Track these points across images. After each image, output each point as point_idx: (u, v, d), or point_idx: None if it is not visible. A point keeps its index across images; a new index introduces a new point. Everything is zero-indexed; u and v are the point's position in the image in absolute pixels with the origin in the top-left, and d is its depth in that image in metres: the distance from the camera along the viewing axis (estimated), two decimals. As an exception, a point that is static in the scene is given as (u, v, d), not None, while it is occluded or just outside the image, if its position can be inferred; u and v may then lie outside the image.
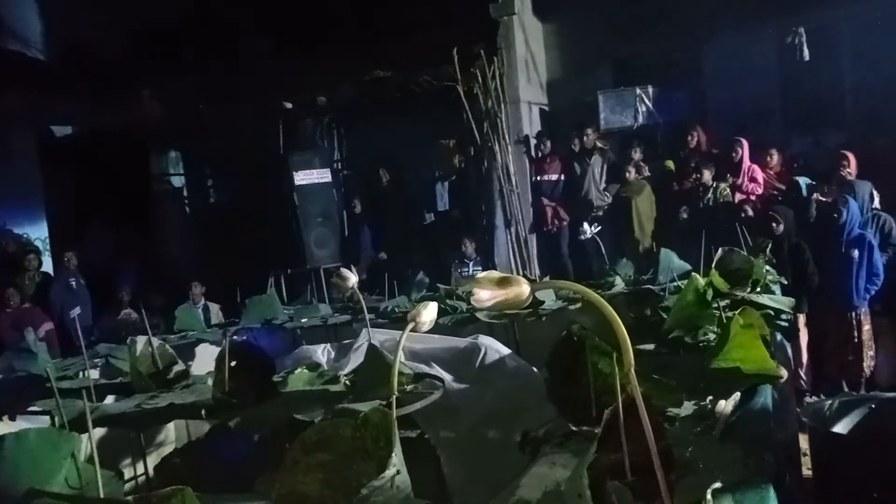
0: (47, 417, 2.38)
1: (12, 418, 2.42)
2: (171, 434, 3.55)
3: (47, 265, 8.41)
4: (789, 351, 3.59)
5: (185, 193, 10.53)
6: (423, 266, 6.04)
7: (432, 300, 1.50)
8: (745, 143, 6.58)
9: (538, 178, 7.74)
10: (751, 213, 5.96)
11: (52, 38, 8.87)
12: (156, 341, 2.55)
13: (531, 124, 7.97)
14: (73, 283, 7.62)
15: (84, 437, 1.33)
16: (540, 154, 7.77)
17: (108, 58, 8.30)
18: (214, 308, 6.74)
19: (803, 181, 6.15)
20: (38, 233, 8.89)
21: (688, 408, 1.50)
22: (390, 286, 4.80)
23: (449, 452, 1.98)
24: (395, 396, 1.23)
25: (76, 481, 1.27)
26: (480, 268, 7.19)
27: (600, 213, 7.30)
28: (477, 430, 2.04)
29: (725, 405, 1.46)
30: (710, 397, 1.52)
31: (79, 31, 8.34)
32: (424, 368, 2.29)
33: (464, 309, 3.77)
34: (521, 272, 7.15)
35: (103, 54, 8.30)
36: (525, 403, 1.96)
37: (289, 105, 8.60)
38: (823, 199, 5.65)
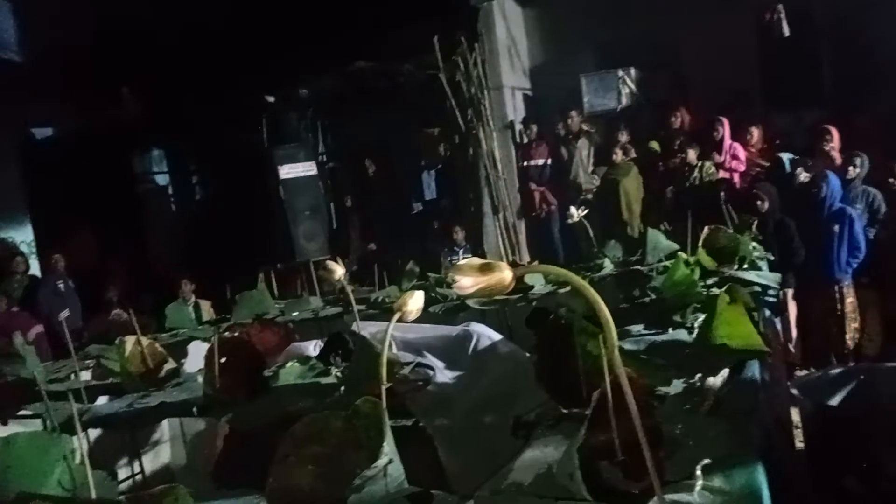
0: (39, 421, 2.37)
1: (3, 423, 2.41)
2: (166, 432, 3.55)
3: (34, 269, 8.35)
4: (779, 326, 3.62)
5: (170, 191, 10.46)
6: (413, 255, 6.03)
7: (423, 289, 1.50)
8: (725, 122, 6.61)
9: (525, 163, 7.74)
10: (733, 190, 6.00)
11: (27, 39, 8.75)
12: (145, 340, 2.54)
13: (515, 110, 7.96)
14: (62, 285, 7.56)
15: (75, 439, 1.32)
16: (526, 139, 7.77)
17: (86, 57, 8.20)
18: (205, 305, 6.70)
19: (786, 157, 6.19)
20: (23, 236, 8.81)
21: (677, 386, 1.52)
22: (380, 277, 4.79)
23: (445, 440, 1.99)
24: (385, 386, 1.23)
25: (70, 483, 1.27)
26: (471, 255, 7.20)
27: (588, 197, 7.32)
28: (472, 417, 2.05)
29: (714, 381, 1.47)
30: (699, 374, 1.54)
31: (54, 32, 8.23)
32: (414, 357, 2.29)
33: (455, 297, 3.77)
34: (510, 258, 7.17)
35: (80, 54, 8.20)
36: (519, 388, 1.97)
37: (271, 99, 8.54)
38: (807, 174, 5.69)
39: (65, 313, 6.94)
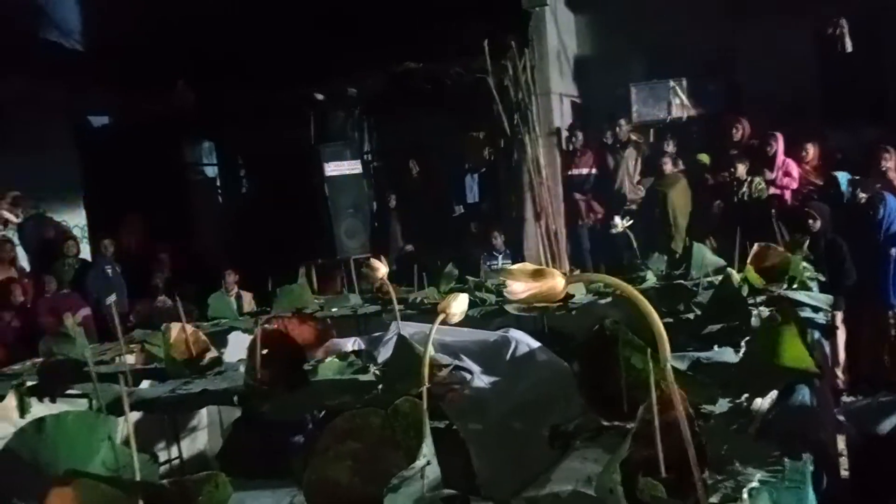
0: (85, 400, 2.44)
1: (52, 400, 2.48)
2: (204, 419, 3.60)
3: (85, 252, 8.60)
4: (827, 349, 3.52)
5: (218, 183, 10.67)
6: (452, 258, 6.02)
7: (461, 292, 1.49)
8: (779, 137, 6.44)
9: (569, 171, 7.68)
10: (784, 207, 5.85)
11: (88, 28, 9.02)
12: (189, 328, 2.59)
13: (562, 116, 7.90)
14: (110, 270, 7.78)
15: (120, 420, 1.35)
16: (571, 147, 7.70)
17: (142, 48, 8.42)
18: (247, 296, 6.82)
19: (843, 176, 6.01)
20: (76, 220, 9.07)
21: (723, 405, 1.48)
22: (419, 277, 4.79)
23: (478, 445, 1.98)
24: (426, 387, 1.23)
25: (113, 463, 1.30)
26: (510, 261, 7.16)
27: (633, 207, 7.22)
28: (506, 423, 2.03)
29: (762, 403, 1.43)
30: (746, 395, 1.50)
31: (113, 21, 8.46)
32: (452, 360, 2.28)
33: (492, 301, 3.76)
34: (550, 265, 7.10)
35: (136, 44, 8.42)
36: (555, 397, 1.95)
37: (320, 96, 8.64)
38: (864, 195, 5.51)
39: (112, 297, 7.12)
